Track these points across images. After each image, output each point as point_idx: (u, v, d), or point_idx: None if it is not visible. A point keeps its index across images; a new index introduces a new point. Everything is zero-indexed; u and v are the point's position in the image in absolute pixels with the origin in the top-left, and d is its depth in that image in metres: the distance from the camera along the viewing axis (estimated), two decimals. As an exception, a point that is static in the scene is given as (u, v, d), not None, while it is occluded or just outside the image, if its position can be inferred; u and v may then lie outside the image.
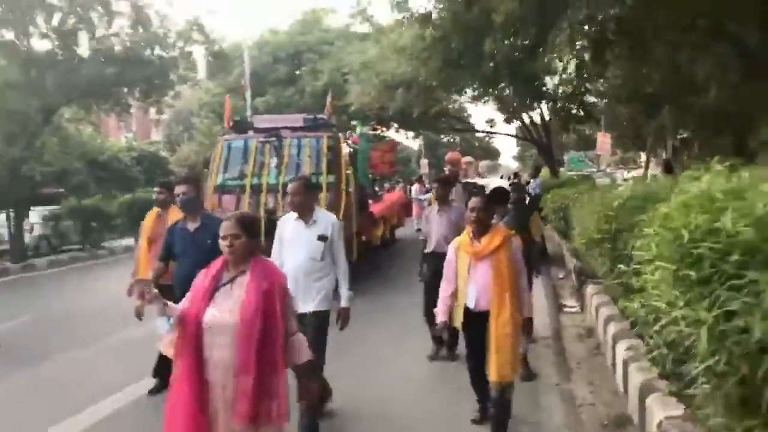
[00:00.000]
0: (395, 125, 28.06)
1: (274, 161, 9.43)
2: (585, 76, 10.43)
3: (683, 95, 8.38)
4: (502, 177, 32.25)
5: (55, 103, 18.09)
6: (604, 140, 28.51)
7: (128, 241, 17.90)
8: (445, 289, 4.37)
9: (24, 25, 17.73)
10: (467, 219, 4.38)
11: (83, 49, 18.45)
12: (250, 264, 2.90)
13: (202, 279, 2.99)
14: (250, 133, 10.10)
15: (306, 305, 4.31)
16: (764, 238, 2.68)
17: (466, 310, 4.25)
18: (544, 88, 11.10)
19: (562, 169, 35.29)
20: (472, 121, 31.44)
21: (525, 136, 16.11)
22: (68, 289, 12.40)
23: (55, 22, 18.22)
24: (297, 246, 4.41)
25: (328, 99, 12.04)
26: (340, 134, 10.05)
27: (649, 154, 24.87)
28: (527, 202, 12.10)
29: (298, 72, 28.49)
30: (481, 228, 4.22)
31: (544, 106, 13.37)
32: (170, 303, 2.93)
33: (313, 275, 4.36)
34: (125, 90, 19.03)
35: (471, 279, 4.22)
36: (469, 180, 23.89)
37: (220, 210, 9.10)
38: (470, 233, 4.31)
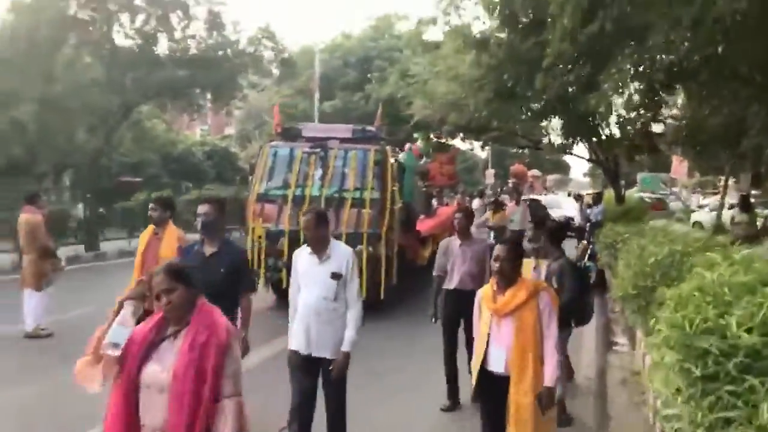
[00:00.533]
0: (461, 134, 27.80)
1: (319, 172, 9.08)
2: (648, 108, 9.98)
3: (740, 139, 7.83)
4: (569, 194, 31.44)
5: (133, 100, 19.11)
6: (679, 165, 27.14)
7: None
8: (477, 348, 3.86)
9: (109, 24, 18.81)
10: (492, 268, 3.80)
11: (162, 49, 19.44)
12: (192, 314, 2.59)
13: (142, 327, 2.64)
14: (298, 141, 9.71)
15: (321, 350, 4.07)
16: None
17: (484, 373, 3.76)
18: (600, 125, 10.66)
19: (631, 191, 33.97)
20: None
21: (590, 157, 15.53)
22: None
23: (138, 23, 19.21)
24: (309, 283, 4.13)
25: (378, 111, 11.60)
26: (388, 148, 9.54)
27: (727, 180, 23.56)
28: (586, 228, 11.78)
29: (369, 76, 28.78)
30: (505, 280, 3.67)
31: (614, 128, 12.82)
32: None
33: (326, 315, 4.07)
34: (197, 91, 19.84)
35: (492, 338, 3.72)
36: (534, 196, 23.26)
37: (260, 219, 8.96)
38: (494, 285, 3.78)
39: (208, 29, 19.05)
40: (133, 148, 23.39)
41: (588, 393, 6.29)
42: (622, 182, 23.39)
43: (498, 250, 3.70)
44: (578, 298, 5.07)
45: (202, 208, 4.27)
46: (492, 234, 13.12)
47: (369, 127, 9.96)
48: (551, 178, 39.23)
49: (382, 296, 8.68)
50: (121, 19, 19.10)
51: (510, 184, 28.87)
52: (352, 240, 7.91)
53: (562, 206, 24.10)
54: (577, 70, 7.83)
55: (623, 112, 10.89)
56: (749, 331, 2.71)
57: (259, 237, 8.77)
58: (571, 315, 5.06)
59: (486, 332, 3.72)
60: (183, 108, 20.53)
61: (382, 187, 8.98)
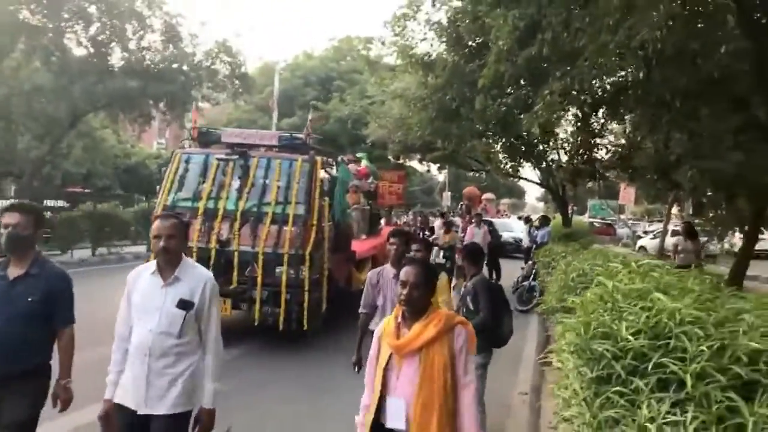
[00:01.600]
0: (418, 156, 28.23)
1: (236, 183, 8.01)
2: (586, 134, 10.29)
3: (697, 158, 7.95)
4: (520, 218, 32.10)
5: (82, 108, 18.73)
6: (626, 192, 28.07)
7: (140, 248, 18.23)
8: (365, 398, 3.00)
9: (60, 32, 18.45)
10: (397, 295, 2.99)
11: (116, 59, 19.17)
12: None
13: None
14: (216, 147, 8.64)
15: (153, 403, 3.05)
16: (654, 346, 2.71)
17: (378, 430, 2.89)
18: (539, 148, 10.96)
19: (582, 217, 34.86)
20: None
21: (540, 182, 15.88)
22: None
23: (92, 31, 18.91)
24: (144, 313, 3.12)
25: (309, 117, 10.65)
26: (319, 159, 8.38)
27: (670, 208, 24.47)
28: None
29: (329, 96, 28.95)
30: (413, 310, 2.88)
31: (561, 154, 13.15)
32: None
33: (166, 359, 3.08)
34: (150, 102, 19.58)
35: (390, 385, 2.87)
36: (487, 218, 23.58)
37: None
38: (398, 317, 2.95)
39: (164, 41, 18.88)
40: (84, 158, 22.85)
41: (524, 407, 6.31)
42: (574, 207, 23.98)
43: (406, 273, 2.89)
44: (491, 318, 4.62)
45: (10, 218, 3.31)
46: (442, 254, 13.41)
47: (298, 135, 8.88)
48: (504, 201, 39.95)
49: (305, 326, 7.65)
50: (75, 28, 18.80)
51: (463, 206, 29.43)
52: (272, 261, 7.51)
53: (513, 229, 24.56)
54: (516, 92, 8.04)
55: (566, 137, 11.20)
56: (637, 334, 2.85)
57: None
58: (486, 336, 4.51)
59: (380, 377, 2.88)
60: (134, 119, 20.19)
61: (309, 201, 7.91)
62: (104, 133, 24.56)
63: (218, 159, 8.11)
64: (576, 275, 6.14)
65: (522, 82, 8.18)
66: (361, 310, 4.85)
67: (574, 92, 6.75)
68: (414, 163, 32.02)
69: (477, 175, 44.58)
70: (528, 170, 14.93)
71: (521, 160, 12.08)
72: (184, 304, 3.10)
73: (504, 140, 10.02)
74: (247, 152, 8.15)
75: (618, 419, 2.58)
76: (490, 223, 16.09)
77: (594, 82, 7.32)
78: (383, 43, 11.04)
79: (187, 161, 8.30)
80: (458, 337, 2.84)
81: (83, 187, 25.09)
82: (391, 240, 4.86)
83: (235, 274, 7.49)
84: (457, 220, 24.05)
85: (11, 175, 21.76)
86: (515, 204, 56.61)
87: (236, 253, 7.52)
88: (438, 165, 34.03)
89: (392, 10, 10.61)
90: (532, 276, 11.95)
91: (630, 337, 2.83)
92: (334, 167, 9.23)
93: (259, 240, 7.59)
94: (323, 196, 8.23)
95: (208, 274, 3.29)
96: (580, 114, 8.41)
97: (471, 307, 4.75)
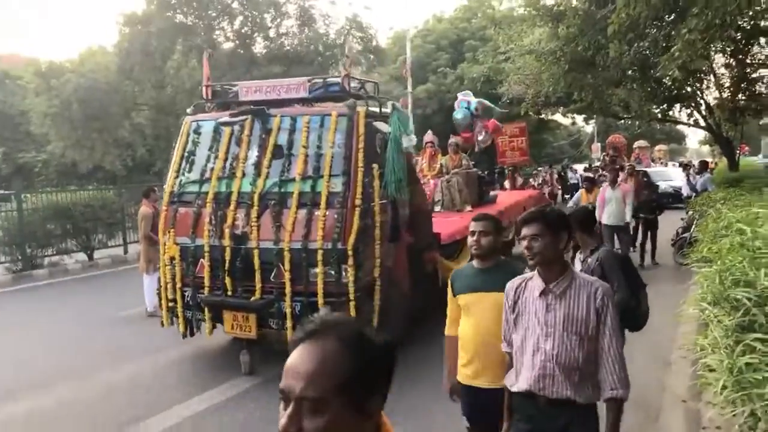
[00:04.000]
0: (560, 108, 27.05)
1: (253, 155, 5.91)
2: (748, 64, 9.22)
3: None
4: (677, 165, 29.36)
5: (234, 99, 20.35)
6: (809, 125, 24.48)
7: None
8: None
9: (211, 30, 20.16)
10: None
11: (258, 47, 20.53)
12: None
13: None
14: (234, 108, 6.30)
15: None
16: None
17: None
18: (687, 90, 9.97)
19: (755, 158, 31.08)
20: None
21: (696, 123, 14.51)
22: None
23: (236, 25, 20.43)
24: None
25: (346, 48, 8.33)
26: (361, 109, 5.84)
27: None
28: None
29: (461, 58, 28.57)
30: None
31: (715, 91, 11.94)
32: None
33: None
34: (293, 86, 20.73)
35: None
36: (643, 167, 21.93)
37: (172, 232, 5.98)
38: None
39: (299, 25, 19.85)
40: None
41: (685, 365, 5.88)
42: (746, 149, 21.43)
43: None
44: (630, 295, 3.66)
45: None
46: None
47: (333, 79, 6.32)
48: (660, 148, 36.54)
49: None
50: (222, 24, 20.42)
51: (606, 157, 27.15)
52: (303, 259, 5.37)
53: (671, 177, 22.65)
54: (653, 35, 7.46)
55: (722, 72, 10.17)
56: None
57: (172, 258, 5.95)
58: (624, 318, 3.14)
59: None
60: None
61: (349, 172, 5.55)
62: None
63: (222, 123, 6.11)
64: (724, 224, 5.64)
65: (658, 23, 7.53)
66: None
67: (716, 25, 6.09)
68: (557, 117, 30.62)
69: (629, 122, 41.60)
70: (682, 113, 13.67)
71: (668, 105, 11.13)
72: None
73: (645, 86, 9.29)
74: (265, 110, 5.96)
75: (757, 366, 2.52)
76: (644, 174, 14.78)
77: (746, 11, 6.57)
78: (509, -1, 10.65)
79: (197, 131, 6.26)
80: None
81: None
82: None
83: (257, 280, 5.52)
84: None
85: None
86: (674, 150, 51.92)
87: (256, 252, 5.51)
88: (583, 116, 32.25)
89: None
90: (692, 228, 11.13)
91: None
92: (391, 117, 6.07)
93: (284, 231, 5.48)
94: (371, 162, 5.73)
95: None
96: (732, 46, 7.53)
97: None
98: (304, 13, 19.52)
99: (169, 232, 6.01)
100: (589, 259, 3.87)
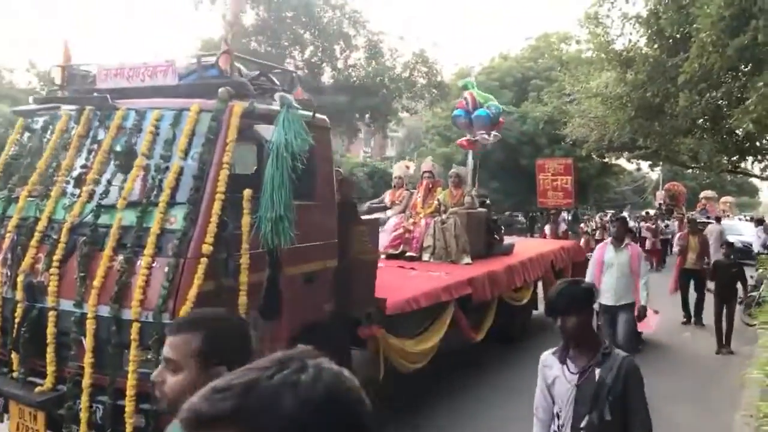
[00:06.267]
0: (625, 153, 26.45)
1: (80, 161, 4.15)
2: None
3: None
4: (751, 219, 27.91)
5: (300, 125, 20.94)
6: None
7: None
8: None
9: (282, 58, 20.89)
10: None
11: (326, 77, 21.13)
12: None
13: None
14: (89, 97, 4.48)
15: None
16: None
17: None
18: (760, 142, 9.63)
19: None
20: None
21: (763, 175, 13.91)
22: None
23: (306, 54, 21.12)
24: None
25: (223, 42, 4.85)
26: (236, 103, 3.89)
27: None
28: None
29: (525, 97, 28.48)
30: None
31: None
32: None
33: None
34: (356, 115, 21.19)
35: None
36: (703, 218, 20.99)
37: None
38: None
39: (367, 58, 20.33)
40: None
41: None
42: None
43: None
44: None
45: None
46: None
47: (208, 57, 4.35)
48: (725, 200, 34.78)
49: None
50: (293, 53, 21.15)
51: (662, 206, 25.34)
52: (112, 334, 3.52)
53: (740, 231, 21.58)
54: (727, 86, 7.28)
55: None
56: None
57: None
58: None
59: None
60: (343, 131, 22.01)
61: (203, 201, 3.66)
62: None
63: (23, 113, 4.73)
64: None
65: (733, 73, 7.35)
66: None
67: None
68: (621, 161, 29.89)
69: (697, 172, 40.22)
70: (755, 166, 13.14)
71: (739, 157, 10.76)
72: None
73: (716, 137, 9.04)
74: (108, 100, 4.13)
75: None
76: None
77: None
78: (578, 42, 10.64)
79: (29, 128, 4.65)
80: None
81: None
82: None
83: (49, 359, 3.65)
84: (670, 224, 21.53)
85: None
86: (745, 203, 49.68)
87: (52, 315, 3.68)
88: (649, 162, 31.40)
89: (586, 6, 10.07)
90: (761, 287, 10.59)
91: None
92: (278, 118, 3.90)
93: (89, 287, 3.60)
94: (244, 187, 3.81)
95: None
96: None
97: (606, 416, 2.45)
98: (372, 47, 20.00)
99: None
100: (599, 370, 2.48)
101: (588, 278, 6.10)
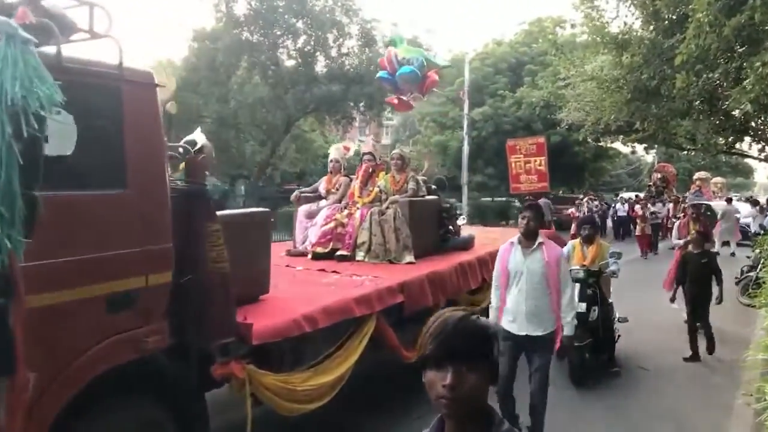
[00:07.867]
0: (620, 137, 26.35)
1: None
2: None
3: None
4: (742, 199, 27.91)
5: (294, 115, 20.89)
6: None
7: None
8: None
9: (275, 48, 20.74)
10: None
11: (320, 66, 21.02)
12: None
13: None
14: None
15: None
16: None
17: None
18: (757, 123, 9.61)
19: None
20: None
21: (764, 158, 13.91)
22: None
23: (299, 44, 20.97)
24: None
25: None
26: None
27: None
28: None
29: (520, 82, 28.37)
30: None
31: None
32: None
33: None
34: (351, 104, 21.10)
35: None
36: (699, 201, 21.05)
37: None
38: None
39: (360, 46, 20.20)
40: (297, 159, 25.46)
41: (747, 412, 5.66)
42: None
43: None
44: None
45: None
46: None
47: None
48: (716, 181, 34.60)
49: None
50: (286, 42, 21.00)
51: (652, 188, 25.00)
52: None
53: (740, 212, 21.57)
54: (724, 66, 7.25)
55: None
56: None
57: None
58: None
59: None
60: (338, 120, 21.92)
61: None
62: (313, 135, 27.02)
63: None
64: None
65: (730, 54, 7.31)
66: None
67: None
68: (617, 145, 29.82)
69: (692, 154, 40.15)
70: (752, 147, 13.09)
71: (736, 138, 10.73)
72: None
73: (713, 118, 9.01)
74: None
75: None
76: (708, 208, 13.88)
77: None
78: (573, 26, 10.56)
79: None
80: None
81: (297, 185, 27.99)
82: None
83: None
84: (660, 208, 21.36)
85: (243, 177, 25.13)
86: (740, 184, 49.69)
87: None
88: (644, 145, 31.35)
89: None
90: (759, 266, 10.63)
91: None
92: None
93: None
94: None
95: None
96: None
97: None
98: (365, 34, 19.87)
99: None
100: None
101: (492, 297, 4.59)
